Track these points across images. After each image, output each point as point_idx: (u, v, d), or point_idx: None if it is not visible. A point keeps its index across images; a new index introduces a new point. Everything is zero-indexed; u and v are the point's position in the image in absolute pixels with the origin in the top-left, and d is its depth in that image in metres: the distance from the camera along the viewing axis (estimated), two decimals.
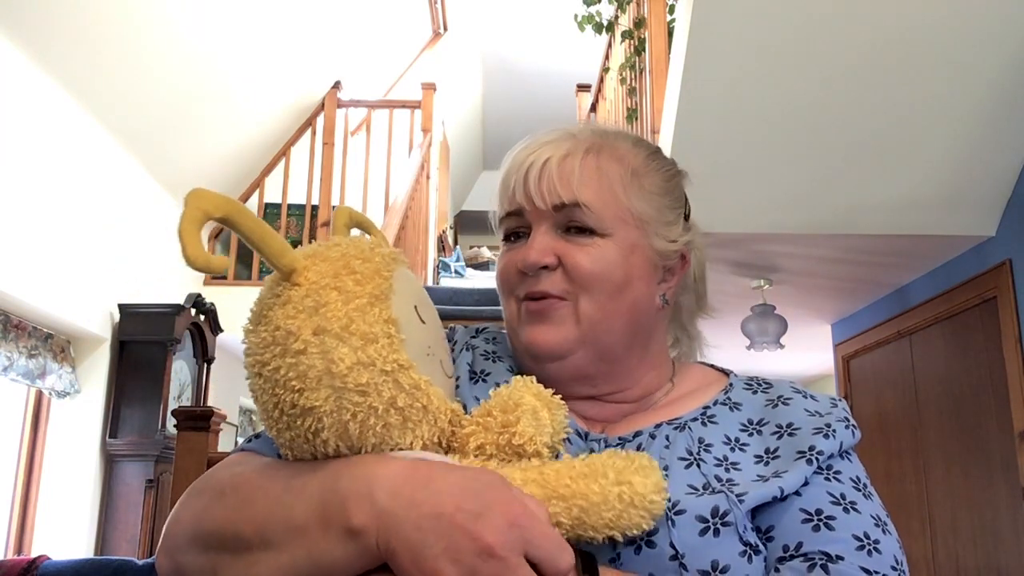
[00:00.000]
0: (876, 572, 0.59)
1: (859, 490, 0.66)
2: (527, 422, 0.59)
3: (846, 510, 0.63)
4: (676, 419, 0.72)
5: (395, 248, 0.64)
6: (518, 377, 0.64)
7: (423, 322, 0.59)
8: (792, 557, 0.61)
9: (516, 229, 0.75)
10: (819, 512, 0.63)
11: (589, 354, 0.72)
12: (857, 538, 0.61)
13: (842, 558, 0.59)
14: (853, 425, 0.70)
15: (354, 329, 0.54)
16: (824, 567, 0.59)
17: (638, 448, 0.70)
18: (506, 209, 0.75)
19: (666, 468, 0.66)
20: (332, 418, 0.54)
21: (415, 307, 0.59)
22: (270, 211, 4.75)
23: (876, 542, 0.61)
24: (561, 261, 0.71)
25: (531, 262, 0.71)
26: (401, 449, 0.57)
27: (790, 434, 0.68)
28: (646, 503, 0.53)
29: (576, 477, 0.54)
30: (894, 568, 0.61)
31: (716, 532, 0.61)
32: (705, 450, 0.68)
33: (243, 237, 0.56)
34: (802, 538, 0.61)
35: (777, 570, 0.61)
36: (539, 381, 0.73)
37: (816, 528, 0.62)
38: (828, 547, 0.60)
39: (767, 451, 0.68)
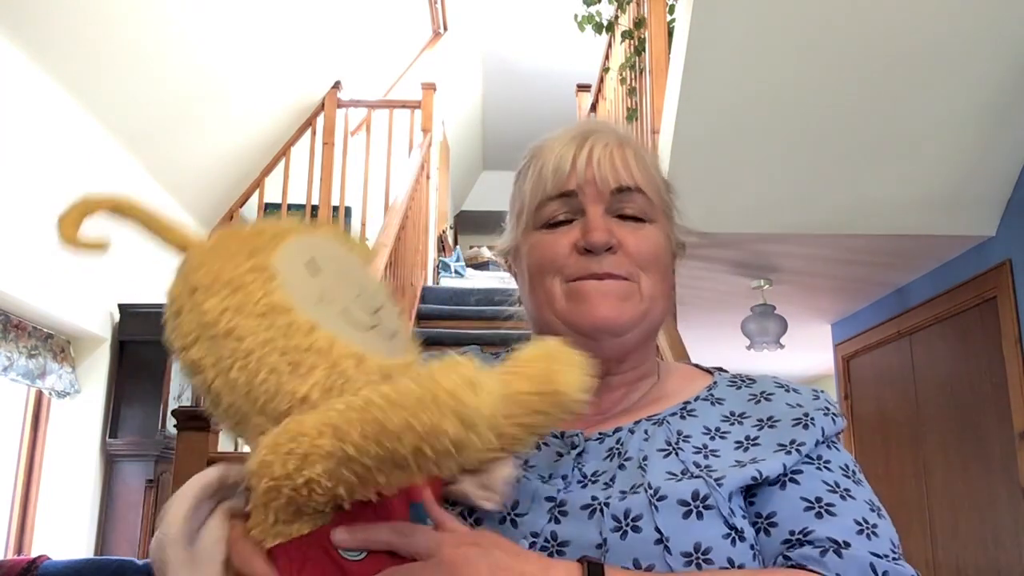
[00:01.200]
0: (882, 555, 0.61)
1: (849, 477, 0.67)
2: (571, 374, 0.58)
3: (843, 497, 0.65)
4: (655, 415, 0.73)
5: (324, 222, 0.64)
6: (544, 338, 0.63)
7: (317, 270, 0.57)
8: (800, 543, 0.62)
9: (560, 214, 0.75)
10: (819, 500, 0.64)
11: (641, 332, 0.74)
12: (857, 523, 0.63)
13: (849, 544, 0.61)
14: (834, 414, 0.71)
15: (224, 280, 0.54)
16: (837, 552, 0.60)
17: (618, 443, 0.71)
18: (558, 190, 0.74)
19: (645, 459, 0.68)
20: (215, 370, 0.53)
21: (311, 258, 0.58)
22: (270, 211, 4.74)
23: (874, 526, 0.63)
24: (621, 244, 0.73)
25: (601, 241, 0.71)
26: (299, 397, 0.53)
27: (771, 426, 0.70)
28: (449, 400, 0.46)
29: (392, 383, 0.50)
30: (892, 550, 0.63)
31: (699, 515, 0.62)
32: (684, 440, 0.70)
33: (136, 222, 0.59)
34: (807, 524, 0.63)
35: (787, 557, 0.62)
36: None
37: (819, 515, 0.63)
38: (834, 534, 0.62)
39: (747, 438, 0.70)
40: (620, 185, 0.73)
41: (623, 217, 0.74)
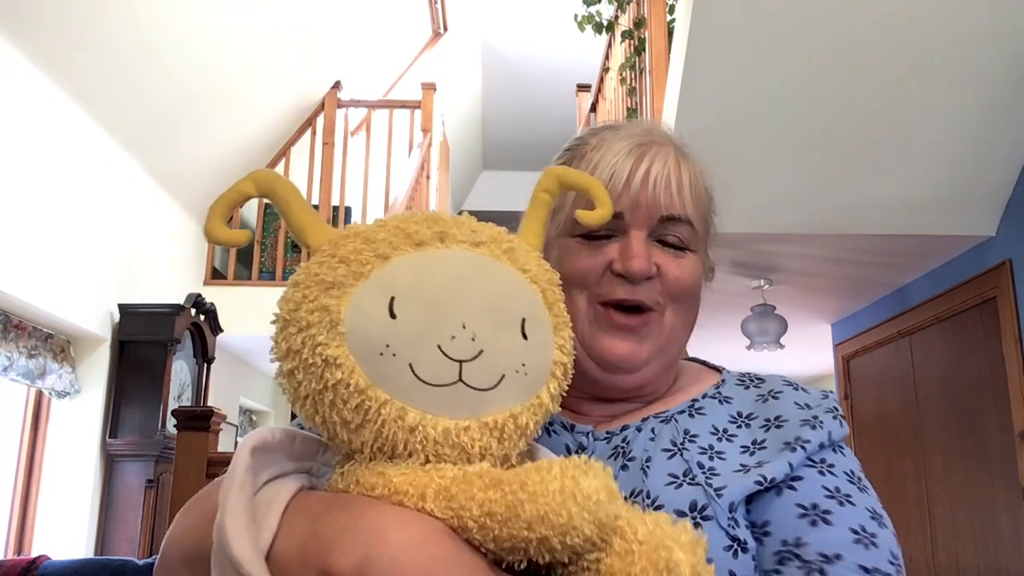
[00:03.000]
0: (875, 569, 0.58)
1: (853, 483, 0.65)
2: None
3: (841, 503, 0.62)
4: (663, 412, 0.72)
5: (461, 223, 0.57)
6: (666, 519, 0.52)
7: (392, 317, 0.52)
8: (791, 554, 0.60)
9: (600, 229, 0.71)
10: (815, 506, 0.62)
11: (659, 365, 0.72)
12: (854, 531, 0.60)
13: (840, 556, 0.58)
14: (842, 416, 0.70)
15: (296, 316, 0.53)
16: (821, 571, 0.58)
17: (624, 441, 0.70)
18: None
19: (648, 460, 0.66)
20: (293, 394, 0.54)
21: (391, 298, 0.52)
22: (270, 211, 4.75)
23: (873, 536, 0.60)
24: (660, 271, 0.71)
25: (641, 270, 0.69)
26: (354, 448, 0.53)
27: (777, 426, 0.68)
28: (589, 503, 0.46)
29: (524, 471, 0.48)
30: (891, 563, 0.59)
31: (697, 526, 0.60)
32: (690, 440, 0.68)
33: (277, 205, 0.58)
34: (800, 533, 0.60)
35: (778, 571, 0.60)
36: (596, 386, 0.73)
37: (813, 523, 0.61)
38: (826, 547, 0.59)
39: (754, 442, 0.68)
40: (670, 214, 0.71)
41: (663, 242, 0.71)
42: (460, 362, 0.52)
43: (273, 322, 0.55)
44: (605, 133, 0.76)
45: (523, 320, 0.55)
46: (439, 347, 0.51)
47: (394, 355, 0.51)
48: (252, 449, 0.52)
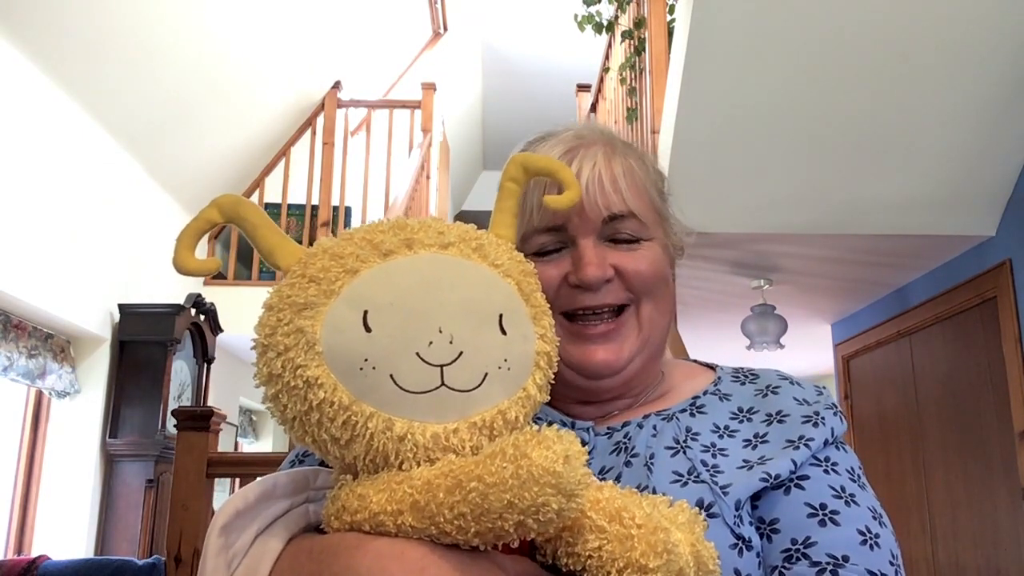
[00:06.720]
0: (878, 572, 0.59)
1: (855, 481, 0.66)
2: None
3: (847, 503, 0.63)
4: (664, 410, 0.72)
5: (426, 227, 0.57)
6: (663, 501, 0.56)
7: (368, 331, 0.52)
8: (801, 554, 0.61)
9: (549, 245, 0.71)
10: (823, 506, 0.63)
11: (643, 359, 0.72)
12: (860, 532, 0.61)
13: (847, 558, 0.59)
14: (841, 412, 0.71)
15: (272, 341, 0.53)
16: (834, 573, 0.59)
17: (625, 437, 0.70)
18: (546, 224, 0.70)
19: (652, 457, 0.67)
20: (280, 416, 0.55)
21: (364, 312, 0.52)
22: (270, 211, 4.75)
23: (876, 536, 0.62)
24: (618, 271, 0.70)
25: (595, 277, 0.68)
26: (346, 463, 0.54)
27: (779, 421, 0.69)
28: (548, 477, 0.46)
29: (480, 461, 0.48)
30: (891, 563, 0.61)
31: None
32: (692, 438, 0.68)
33: (244, 231, 0.58)
34: (809, 532, 0.61)
35: (787, 568, 0.61)
36: (582, 392, 0.72)
37: (822, 523, 0.62)
38: (835, 548, 0.60)
39: (756, 435, 0.68)
40: (611, 213, 0.70)
41: (616, 240, 0.71)
42: (440, 366, 0.52)
43: (252, 348, 0.55)
44: (536, 144, 0.75)
45: (500, 316, 0.55)
46: (418, 354, 0.52)
47: (374, 368, 0.51)
48: (222, 528, 0.53)
